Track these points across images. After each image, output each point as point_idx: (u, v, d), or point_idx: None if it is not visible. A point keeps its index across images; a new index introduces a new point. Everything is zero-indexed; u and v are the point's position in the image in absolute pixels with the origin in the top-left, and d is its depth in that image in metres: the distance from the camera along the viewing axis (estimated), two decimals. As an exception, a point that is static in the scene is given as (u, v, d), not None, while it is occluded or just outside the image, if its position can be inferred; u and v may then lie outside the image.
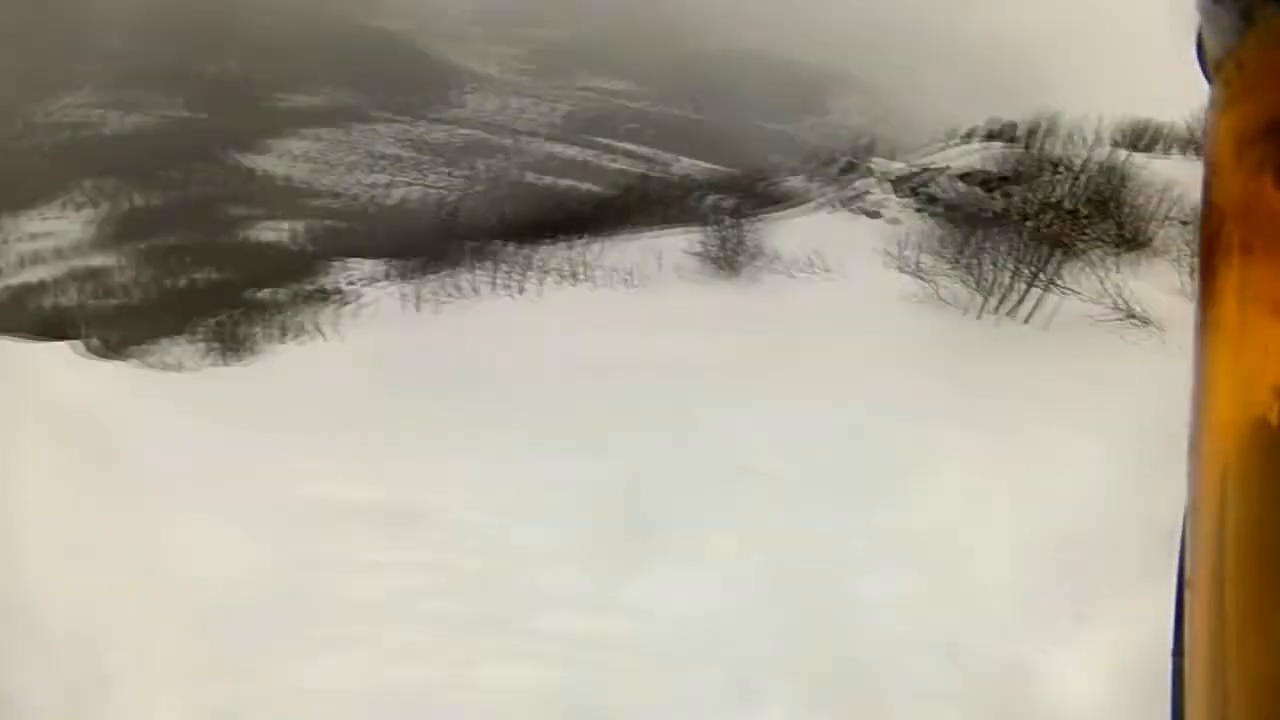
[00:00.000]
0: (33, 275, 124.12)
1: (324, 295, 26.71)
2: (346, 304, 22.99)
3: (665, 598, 3.80)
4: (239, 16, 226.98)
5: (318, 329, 17.44)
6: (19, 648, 2.95)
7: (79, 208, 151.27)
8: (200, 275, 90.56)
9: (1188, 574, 0.29)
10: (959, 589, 3.79)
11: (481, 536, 4.52)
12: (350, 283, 29.41)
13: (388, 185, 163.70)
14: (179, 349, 21.36)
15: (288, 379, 9.25)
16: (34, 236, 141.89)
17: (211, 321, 26.23)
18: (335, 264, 36.54)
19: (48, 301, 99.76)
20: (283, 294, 31.47)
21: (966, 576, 3.88)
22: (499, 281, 17.24)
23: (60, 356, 10.68)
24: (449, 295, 17.71)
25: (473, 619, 3.68)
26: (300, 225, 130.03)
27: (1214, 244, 0.27)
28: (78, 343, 12.11)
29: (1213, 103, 0.27)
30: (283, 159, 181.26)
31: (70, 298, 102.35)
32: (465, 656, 3.38)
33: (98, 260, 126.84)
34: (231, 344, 19.20)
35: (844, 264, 12.93)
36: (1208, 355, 0.27)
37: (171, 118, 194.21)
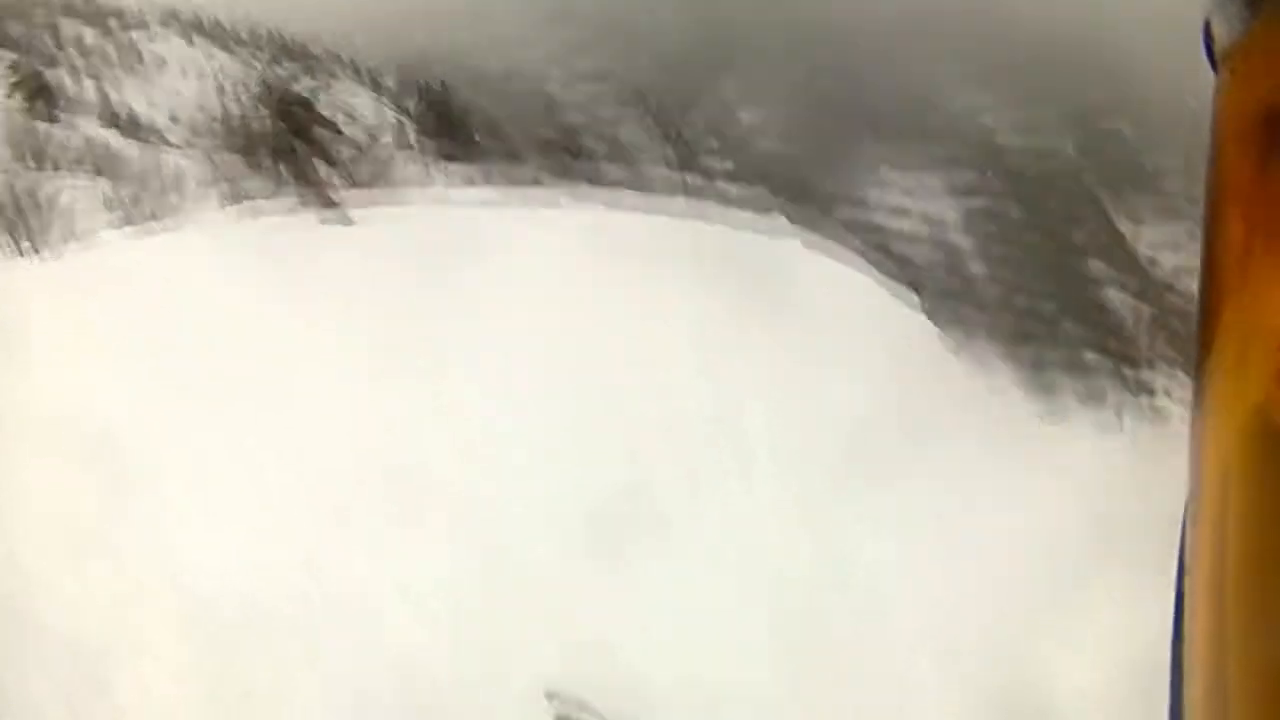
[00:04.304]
0: (890, 221, 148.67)
1: (1141, 388, 34.43)
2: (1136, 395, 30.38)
3: None
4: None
5: (1139, 415, 24.30)
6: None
7: (939, 184, 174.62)
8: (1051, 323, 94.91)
9: (1188, 562, 0.29)
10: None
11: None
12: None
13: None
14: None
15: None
16: (896, 210, 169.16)
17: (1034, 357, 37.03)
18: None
19: (899, 248, 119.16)
20: (1107, 364, 40.32)
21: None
22: None
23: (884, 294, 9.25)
24: None
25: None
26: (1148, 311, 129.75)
27: (1219, 228, 0.27)
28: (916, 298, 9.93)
29: (1219, 90, 0.28)
30: (1157, 246, 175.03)
31: (917, 254, 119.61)
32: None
33: (956, 239, 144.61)
34: (1043, 391, 29.24)
35: None
36: (1211, 342, 0.27)
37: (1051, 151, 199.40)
